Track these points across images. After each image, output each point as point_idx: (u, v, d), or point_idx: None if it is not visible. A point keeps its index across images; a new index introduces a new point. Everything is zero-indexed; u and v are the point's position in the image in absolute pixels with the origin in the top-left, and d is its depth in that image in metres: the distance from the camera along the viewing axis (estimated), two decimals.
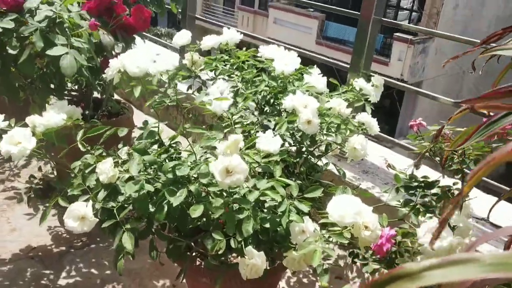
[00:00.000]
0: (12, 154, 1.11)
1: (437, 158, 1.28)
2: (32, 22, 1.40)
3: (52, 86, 1.74)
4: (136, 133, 2.33)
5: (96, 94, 2.10)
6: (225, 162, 1.07)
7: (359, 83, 1.59)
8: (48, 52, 1.37)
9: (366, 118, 1.47)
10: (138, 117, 2.28)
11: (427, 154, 1.27)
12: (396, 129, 14.70)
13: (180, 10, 2.66)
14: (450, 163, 1.28)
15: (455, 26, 13.03)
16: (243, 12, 18.03)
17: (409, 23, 14.74)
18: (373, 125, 1.47)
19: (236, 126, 1.35)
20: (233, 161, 1.06)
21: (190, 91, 1.72)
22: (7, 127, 1.25)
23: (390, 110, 14.26)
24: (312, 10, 16.76)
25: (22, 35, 1.40)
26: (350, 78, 2.07)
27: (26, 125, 1.25)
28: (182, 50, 2.93)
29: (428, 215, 1.20)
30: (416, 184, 1.28)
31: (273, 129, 1.48)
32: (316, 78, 1.54)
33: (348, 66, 2.07)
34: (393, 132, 14.53)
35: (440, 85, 13.82)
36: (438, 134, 1.01)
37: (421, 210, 1.22)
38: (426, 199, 1.25)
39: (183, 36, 1.66)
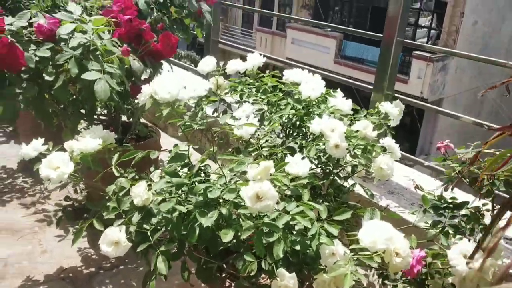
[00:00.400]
0: (51, 179, 1.16)
1: (466, 180, 1.28)
2: (66, 49, 1.47)
3: (83, 111, 1.80)
4: (163, 155, 2.38)
5: (124, 118, 2.16)
6: (256, 188, 1.09)
7: (385, 107, 1.60)
8: (83, 76, 1.43)
9: (389, 143, 1.49)
10: (164, 139, 2.33)
11: (456, 175, 1.27)
12: (417, 146, 14.57)
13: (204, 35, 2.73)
14: (480, 184, 1.28)
15: (475, 43, 12.96)
16: (261, 33, 18.26)
17: (427, 41, 14.72)
18: (396, 150, 1.48)
19: (263, 149, 1.37)
20: (263, 187, 1.08)
21: (215, 114, 1.77)
22: (46, 151, 1.30)
23: (411, 128, 14.14)
24: (329, 29, 16.90)
25: (57, 63, 1.46)
26: (373, 98, 2.09)
27: (62, 149, 1.30)
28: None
29: (458, 236, 1.20)
30: (444, 205, 1.29)
31: (299, 151, 1.51)
32: (340, 101, 1.57)
33: (371, 86, 2.08)
34: (414, 149, 14.39)
35: (461, 103, 13.70)
36: (474, 160, 1.01)
37: (450, 232, 1.22)
38: (455, 220, 1.25)
39: (208, 63, 1.70)
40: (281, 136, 1.62)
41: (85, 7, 2.41)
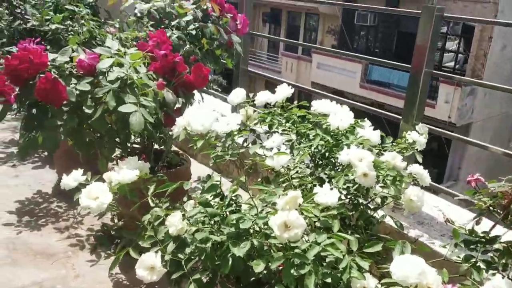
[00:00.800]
0: (91, 208, 1.21)
1: (498, 213, 1.27)
2: (105, 83, 1.54)
3: (117, 139, 1.87)
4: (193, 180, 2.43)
5: (156, 145, 2.22)
6: (283, 217, 1.12)
7: (412, 136, 1.61)
8: (120, 108, 1.49)
9: (418, 169, 1.50)
10: (193, 165, 2.37)
11: (487, 208, 1.27)
12: (445, 171, 14.32)
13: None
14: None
15: (503, 67, 12.80)
16: (287, 58, 18.45)
17: (455, 65, 14.60)
18: (425, 177, 1.49)
19: (293, 180, 1.40)
20: (290, 216, 1.11)
21: (245, 144, 1.81)
22: (85, 181, 1.36)
23: (439, 153, 13.93)
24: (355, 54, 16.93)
25: (96, 96, 1.53)
26: (402, 128, 2.10)
27: (100, 179, 1.35)
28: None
29: (490, 271, 1.19)
30: (476, 239, 1.28)
31: (328, 181, 1.53)
32: (369, 131, 1.59)
33: (399, 116, 2.09)
34: (442, 174, 14.14)
35: (491, 128, 13.46)
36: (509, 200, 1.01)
37: (483, 267, 1.21)
38: (488, 255, 1.24)
39: (238, 95, 1.75)
40: (310, 166, 1.65)
41: (120, 38, 2.51)
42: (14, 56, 1.47)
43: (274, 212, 1.21)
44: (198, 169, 2.48)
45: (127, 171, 1.29)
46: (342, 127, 1.51)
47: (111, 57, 1.61)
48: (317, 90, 3.15)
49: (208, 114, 1.38)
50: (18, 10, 3.28)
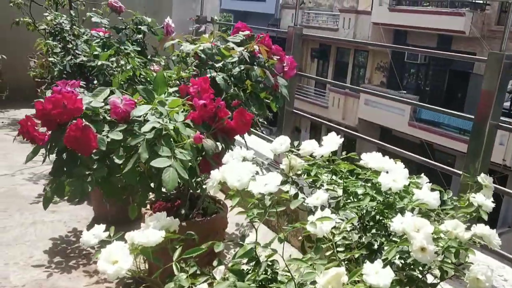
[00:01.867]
0: (108, 275, 1.09)
1: None
2: (139, 132, 1.45)
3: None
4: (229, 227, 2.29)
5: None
6: None
7: (477, 199, 1.42)
8: (153, 163, 1.39)
9: (483, 230, 1.29)
10: (230, 212, 2.23)
11: None
12: (498, 217, 13.52)
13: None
14: None
15: None
16: (334, 93, 18.28)
17: (510, 105, 13.94)
18: (493, 239, 1.28)
19: (338, 249, 1.23)
20: None
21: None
22: (107, 237, 1.25)
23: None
24: (404, 92, 16.56)
25: (128, 145, 1.43)
26: (463, 181, 1.88)
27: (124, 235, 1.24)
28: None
29: None
30: None
31: (378, 250, 1.35)
32: (426, 192, 1.40)
33: (460, 172, 1.89)
34: (496, 220, 13.35)
35: None
36: None
37: None
38: None
39: (282, 143, 1.62)
40: (358, 226, 1.47)
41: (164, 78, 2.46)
42: (48, 100, 1.41)
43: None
44: (235, 217, 2.33)
45: (152, 232, 1.17)
46: (395, 189, 1.34)
47: (147, 103, 1.52)
48: (364, 136, 2.97)
49: (245, 168, 1.25)
50: (70, 46, 3.33)
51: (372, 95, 15.42)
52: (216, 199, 2.18)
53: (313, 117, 3.29)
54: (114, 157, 1.42)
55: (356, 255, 1.25)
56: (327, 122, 2.84)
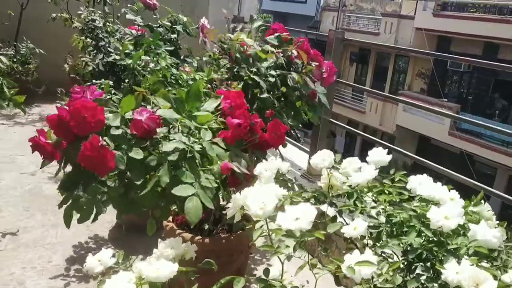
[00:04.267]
0: None
1: None
2: (160, 151, 1.30)
3: None
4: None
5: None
6: None
7: None
8: (174, 191, 1.25)
9: None
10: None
11: None
12: None
13: None
14: None
15: None
16: (372, 98, 17.85)
17: None
18: None
19: None
20: None
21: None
22: (115, 264, 1.12)
23: None
24: (445, 100, 15.98)
25: (149, 165, 1.29)
26: None
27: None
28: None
29: None
30: None
31: None
32: (485, 229, 1.20)
33: None
34: None
35: None
36: None
37: None
38: None
39: (324, 158, 1.44)
40: (401, 260, 1.29)
41: (194, 80, 2.33)
42: (64, 110, 1.27)
43: None
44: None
45: (163, 265, 1.02)
46: (447, 228, 1.14)
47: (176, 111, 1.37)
48: (399, 149, 2.76)
49: (271, 194, 1.09)
50: (102, 43, 3.26)
51: (409, 104, 14.91)
52: (242, 214, 2.03)
53: (350, 128, 3.09)
54: (132, 176, 1.28)
55: None
56: (364, 133, 2.64)
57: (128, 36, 3.00)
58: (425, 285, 1.13)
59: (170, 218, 1.90)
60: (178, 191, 1.24)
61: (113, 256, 1.20)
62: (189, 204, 1.23)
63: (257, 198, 1.08)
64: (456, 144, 14.90)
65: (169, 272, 1.00)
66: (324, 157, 1.46)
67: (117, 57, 2.90)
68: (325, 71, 2.05)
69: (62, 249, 2.35)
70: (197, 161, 1.31)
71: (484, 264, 1.11)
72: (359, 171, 1.39)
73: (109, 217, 2.69)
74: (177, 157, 1.28)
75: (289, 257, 1.03)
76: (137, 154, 1.28)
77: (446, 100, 16.02)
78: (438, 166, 2.28)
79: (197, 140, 1.36)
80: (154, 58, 2.50)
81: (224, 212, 1.90)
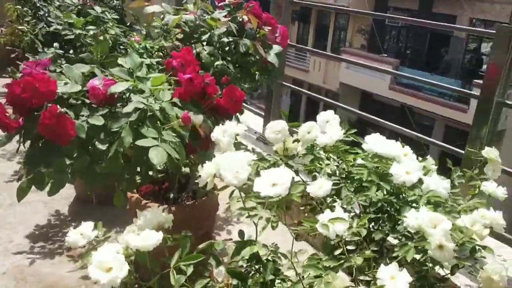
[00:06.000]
0: (102, 285, 0.98)
1: None
2: (121, 114, 1.30)
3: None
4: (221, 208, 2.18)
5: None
6: None
7: (488, 188, 1.35)
8: (138, 142, 1.27)
9: (493, 216, 1.21)
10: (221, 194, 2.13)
11: None
12: None
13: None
14: None
15: None
16: (315, 56, 18.04)
17: None
18: (500, 224, 1.21)
19: (348, 247, 1.13)
20: None
21: None
22: (96, 237, 1.14)
23: None
24: (385, 55, 16.44)
25: (111, 130, 1.30)
26: (465, 160, 1.81)
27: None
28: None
29: None
30: None
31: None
32: (437, 181, 1.31)
33: (462, 151, 1.81)
34: None
35: None
36: None
37: None
38: None
39: (279, 130, 1.45)
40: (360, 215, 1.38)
41: (146, 48, 2.29)
42: (16, 83, 1.24)
43: None
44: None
45: (148, 234, 1.05)
46: (410, 183, 1.24)
47: (128, 81, 1.37)
48: (344, 105, 2.86)
49: (243, 162, 1.13)
50: (41, 12, 3.10)
51: (356, 64, 15.24)
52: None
53: (303, 90, 3.16)
54: (96, 143, 1.28)
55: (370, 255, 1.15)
56: (324, 98, 2.72)
57: (67, 4, 2.88)
58: (388, 234, 1.23)
59: (135, 190, 1.91)
60: (142, 142, 1.27)
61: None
62: (153, 152, 1.27)
63: (230, 167, 1.11)
64: (396, 98, 15.47)
65: (155, 241, 1.04)
66: (276, 129, 1.46)
67: (59, 27, 2.78)
68: (278, 35, 2.08)
69: (23, 228, 2.31)
70: (157, 120, 1.33)
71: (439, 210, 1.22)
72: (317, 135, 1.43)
73: (65, 192, 2.65)
74: (137, 117, 1.29)
75: (268, 219, 1.08)
76: (97, 120, 1.29)
77: (386, 55, 16.49)
78: (382, 121, 2.39)
79: (154, 102, 1.37)
80: (101, 28, 2.43)
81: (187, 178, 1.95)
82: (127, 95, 1.40)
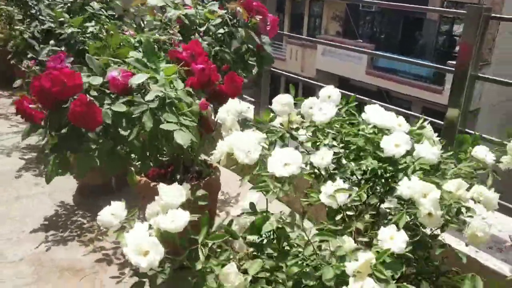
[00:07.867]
0: (141, 268, 1.07)
1: None
2: (142, 101, 1.44)
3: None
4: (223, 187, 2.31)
5: None
6: None
7: (478, 153, 1.49)
8: (162, 126, 1.41)
9: (483, 191, 1.37)
10: (223, 173, 2.26)
11: None
12: None
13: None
14: None
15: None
16: (291, 45, 18.21)
17: None
18: (491, 200, 1.36)
19: (348, 213, 1.28)
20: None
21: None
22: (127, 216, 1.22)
23: None
24: (361, 41, 16.70)
25: (132, 115, 1.43)
26: (444, 136, 1.98)
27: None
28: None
29: None
30: None
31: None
32: (427, 148, 1.45)
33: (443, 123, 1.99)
34: None
35: (499, 113, 13.31)
36: None
37: None
38: None
39: (284, 102, 1.59)
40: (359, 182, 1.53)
41: (140, 42, 2.39)
42: (45, 77, 1.36)
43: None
44: (228, 178, 2.36)
45: (177, 215, 1.16)
46: (398, 155, 1.38)
47: (143, 72, 1.50)
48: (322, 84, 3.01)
49: (254, 142, 1.26)
50: (33, 11, 3.16)
51: (338, 48, 15.41)
52: (208, 163, 2.21)
53: (290, 74, 3.31)
54: (119, 128, 1.41)
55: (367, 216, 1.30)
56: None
57: (57, 1, 2.95)
58: (383, 199, 1.39)
59: (142, 175, 2.04)
60: (167, 126, 1.42)
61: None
62: (178, 134, 1.42)
63: (242, 147, 1.24)
64: (373, 82, 15.76)
65: (184, 222, 1.13)
66: (283, 101, 1.59)
67: (52, 25, 2.85)
68: (269, 24, 2.22)
69: (32, 219, 2.41)
70: (174, 106, 1.47)
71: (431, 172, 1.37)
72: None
73: (67, 184, 2.74)
74: (157, 104, 1.43)
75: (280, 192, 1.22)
76: (120, 107, 1.42)
77: (362, 41, 16.74)
78: (360, 97, 2.53)
79: (171, 90, 1.51)
80: (98, 25, 2.52)
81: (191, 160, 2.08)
82: (143, 84, 1.53)
